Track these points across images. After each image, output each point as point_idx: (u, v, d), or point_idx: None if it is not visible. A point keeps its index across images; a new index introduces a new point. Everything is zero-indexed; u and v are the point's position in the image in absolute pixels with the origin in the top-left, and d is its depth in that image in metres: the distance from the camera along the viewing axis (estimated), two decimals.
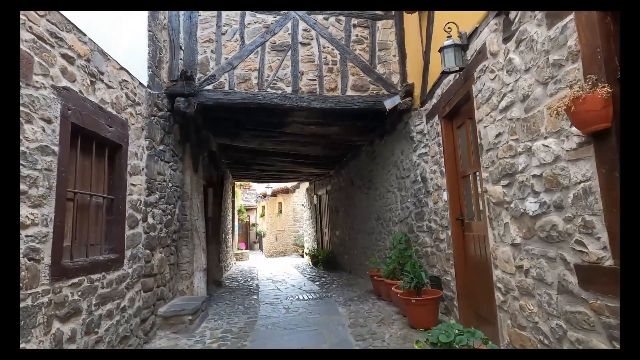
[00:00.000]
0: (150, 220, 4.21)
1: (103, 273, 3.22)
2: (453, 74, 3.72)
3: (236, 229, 15.13)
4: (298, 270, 11.14)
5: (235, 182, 16.36)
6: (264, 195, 25.18)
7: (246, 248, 25.18)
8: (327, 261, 10.57)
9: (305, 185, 16.27)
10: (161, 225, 4.56)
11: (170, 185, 4.92)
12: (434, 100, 4.42)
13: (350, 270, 9.13)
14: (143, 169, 4.11)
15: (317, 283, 8.17)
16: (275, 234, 24.04)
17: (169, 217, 4.88)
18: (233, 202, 13.63)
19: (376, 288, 6.08)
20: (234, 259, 13.63)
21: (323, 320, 4.81)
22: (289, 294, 6.99)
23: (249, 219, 25.70)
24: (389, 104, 5.49)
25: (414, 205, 5.28)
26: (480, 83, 3.16)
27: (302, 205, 24.54)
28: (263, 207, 26.91)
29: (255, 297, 6.74)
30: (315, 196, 13.30)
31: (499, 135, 2.87)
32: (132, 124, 3.87)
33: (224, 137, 7.24)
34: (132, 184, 3.85)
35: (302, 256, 20.07)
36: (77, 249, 3.05)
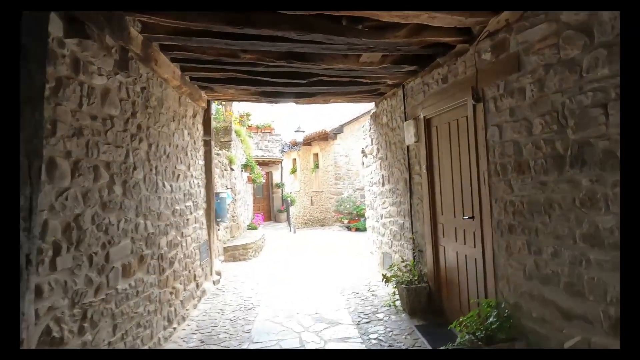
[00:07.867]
0: None
1: None
2: None
3: (229, 199, 7.70)
4: None
5: (229, 110, 8.80)
6: (294, 144, 17.73)
7: (268, 219, 18.20)
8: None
9: (362, 118, 8.51)
10: None
11: None
12: None
13: None
14: None
15: None
16: (311, 196, 17.32)
17: None
18: (209, 147, 6.09)
19: None
20: (217, 271, 6.30)
21: None
22: None
23: (267, 177, 18.39)
24: None
25: None
26: None
27: (346, 155, 16.90)
28: (294, 160, 19.74)
29: None
30: (413, 123, 5.11)
31: None
32: None
33: None
34: None
35: (349, 229, 13.42)
36: None
